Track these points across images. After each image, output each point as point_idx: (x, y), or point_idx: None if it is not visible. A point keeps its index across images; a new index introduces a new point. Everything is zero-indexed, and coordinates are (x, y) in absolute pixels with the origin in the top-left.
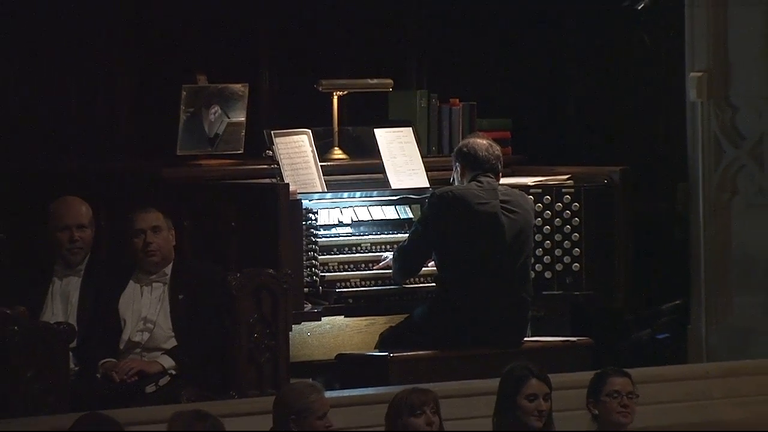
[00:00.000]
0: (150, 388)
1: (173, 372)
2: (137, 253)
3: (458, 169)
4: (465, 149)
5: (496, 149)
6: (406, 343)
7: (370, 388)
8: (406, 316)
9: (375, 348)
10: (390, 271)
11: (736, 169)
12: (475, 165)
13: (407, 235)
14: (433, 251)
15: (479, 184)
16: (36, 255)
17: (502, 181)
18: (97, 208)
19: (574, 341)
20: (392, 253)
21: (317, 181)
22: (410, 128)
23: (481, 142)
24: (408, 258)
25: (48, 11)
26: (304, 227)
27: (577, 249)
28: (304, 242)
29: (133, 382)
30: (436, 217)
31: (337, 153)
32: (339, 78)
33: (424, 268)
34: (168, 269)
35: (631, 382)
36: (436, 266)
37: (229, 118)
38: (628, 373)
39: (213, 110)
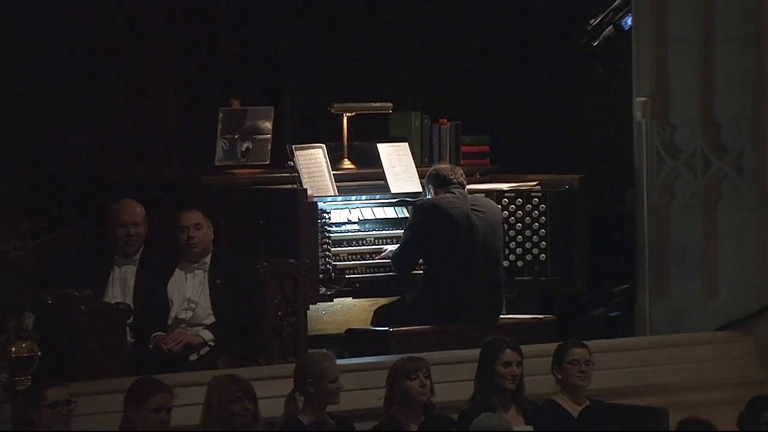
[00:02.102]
0: (192, 357)
1: (212, 343)
2: (182, 246)
3: (431, 189)
4: (434, 173)
5: (458, 170)
6: (397, 320)
7: (373, 357)
8: (398, 297)
9: (371, 323)
10: (388, 260)
11: (674, 177)
12: (444, 182)
13: (401, 235)
14: (421, 250)
15: (452, 193)
16: (99, 247)
17: (483, 186)
18: (150, 208)
19: (541, 318)
20: (392, 248)
21: (330, 187)
22: (406, 143)
23: (445, 166)
24: (403, 259)
25: (111, 51)
26: (319, 224)
27: (543, 242)
28: (319, 237)
29: (179, 352)
30: (420, 223)
31: (347, 163)
32: (348, 102)
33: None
34: (207, 259)
35: (588, 352)
36: (423, 261)
37: (257, 135)
38: (585, 344)
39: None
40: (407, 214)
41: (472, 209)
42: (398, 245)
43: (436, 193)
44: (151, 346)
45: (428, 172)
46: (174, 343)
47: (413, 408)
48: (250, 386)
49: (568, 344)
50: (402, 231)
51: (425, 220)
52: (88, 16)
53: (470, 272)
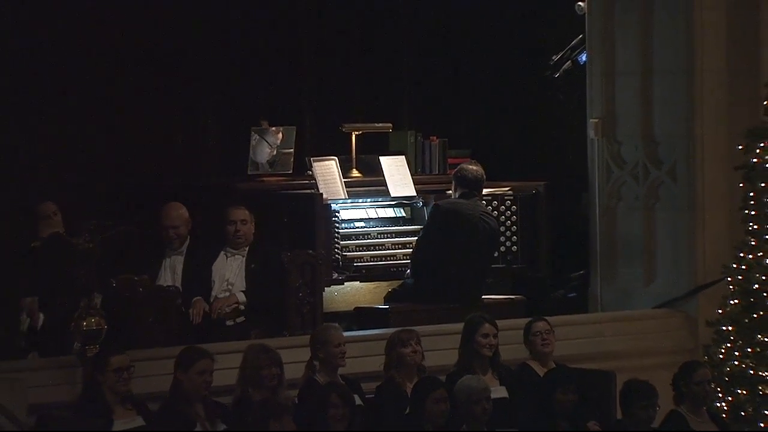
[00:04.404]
0: (229, 322)
1: (242, 307)
2: (229, 236)
3: (455, 187)
4: (465, 175)
5: (480, 176)
6: (402, 299)
7: (377, 330)
8: (401, 282)
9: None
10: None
11: (620, 183)
12: (466, 186)
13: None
14: (433, 245)
15: (469, 199)
16: (154, 240)
17: None
18: (194, 208)
19: (513, 298)
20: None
21: (341, 191)
22: (403, 156)
23: (474, 172)
24: (421, 253)
25: (166, 80)
26: (332, 222)
27: (514, 237)
28: (332, 232)
29: (225, 315)
30: (439, 223)
31: (355, 173)
32: (356, 123)
33: (407, 250)
34: (247, 247)
35: (548, 323)
36: (430, 252)
37: (281, 149)
38: (545, 318)
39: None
40: (404, 214)
41: (481, 216)
42: (417, 240)
43: (456, 190)
44: (191, 310)
45: (461, 168)
46: (219, 310)
47: (408, 371)
48: (278, 356)
49: (531, 321)
50: (399, 228)
51: (444, 220)
52: (147, 52)
53: (468, 265)
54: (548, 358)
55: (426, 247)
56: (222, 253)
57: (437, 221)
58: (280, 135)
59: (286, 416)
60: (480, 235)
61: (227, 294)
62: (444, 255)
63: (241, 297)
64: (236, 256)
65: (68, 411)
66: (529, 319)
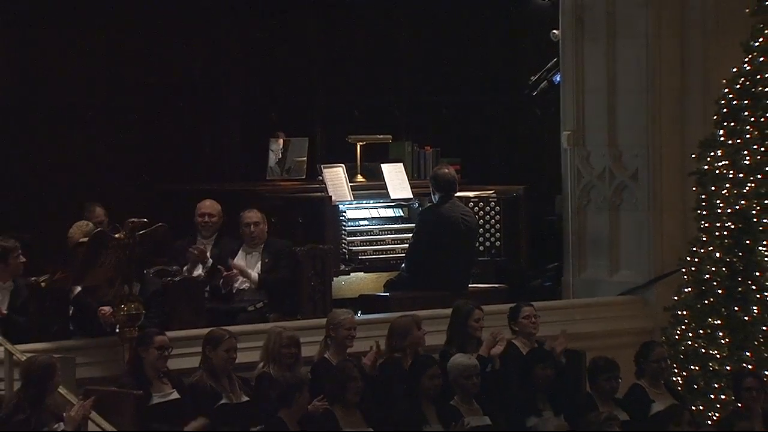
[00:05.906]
0: (250, 308)
1: (253, 286)
2: (246, 236)
3: (435, 191)
4: (439, 180)
5: (454, 177)
6: (399, 287)
7: (378, 314)
8: (398, 272)
9: (383, 290)
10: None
11: (590, 187)
12: (445, 189)
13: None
14: (425, 246)
15: (449, 202)
16: (185, 236)
17: (456, 195)
18: (222, 207)
19: (496, 287)
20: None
21: (348, 194)
22: (401, 163)
23: (448, 175)
24: (416, 255)
25: (196, 100)
26: (340, 221)
27: (498, 233)
28: (340, 230)
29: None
30: (428, 226)
31: (360, 178)
32: (360, 134)
33: (404, 245)
34: (262, 244)
35: (534, 309)
36: (423, 250)
37: (296, 157)
38: (532, 304)
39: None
40: (402, 213)
41: (461, 216)
42: (411, 244)
43: (434, 194)
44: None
45: (435, 173)
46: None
47: (410, 351)
48: (297, 337)
49: (521, 306)
50: (398, 226)
51: (431, 224)
52: (181, 79)
53: (454, 260)
54: (533, 338)
55: (418, 249)
56: (241, 250)
57: (425, 227)
58: (281, 142)
59: (304, 389)
60: (462, 233)
61: (247, 285)
62: (433, 255)
63: (254, 275)
64: (253, 253)
65: (112, 385)
66: (516, 303)
